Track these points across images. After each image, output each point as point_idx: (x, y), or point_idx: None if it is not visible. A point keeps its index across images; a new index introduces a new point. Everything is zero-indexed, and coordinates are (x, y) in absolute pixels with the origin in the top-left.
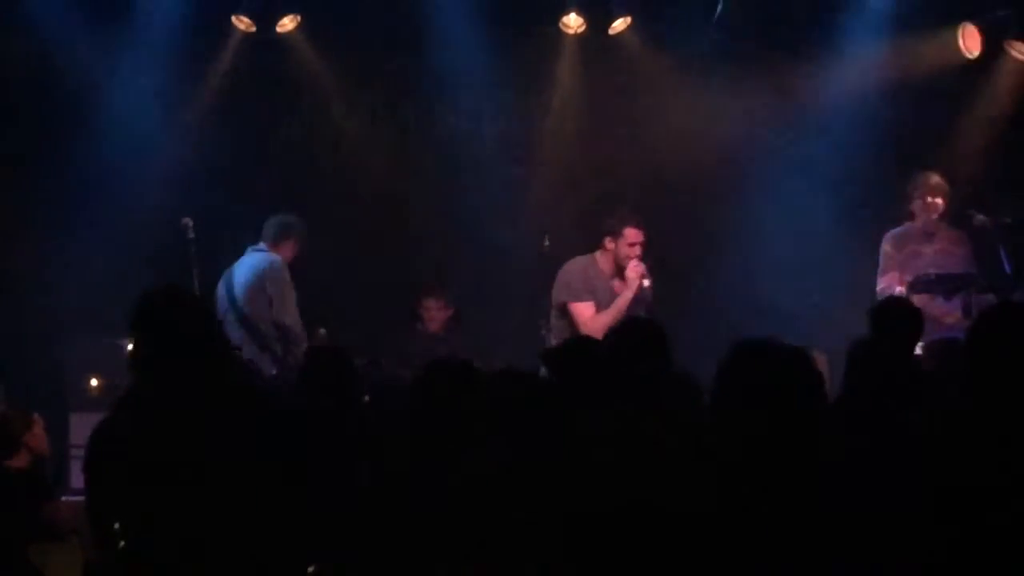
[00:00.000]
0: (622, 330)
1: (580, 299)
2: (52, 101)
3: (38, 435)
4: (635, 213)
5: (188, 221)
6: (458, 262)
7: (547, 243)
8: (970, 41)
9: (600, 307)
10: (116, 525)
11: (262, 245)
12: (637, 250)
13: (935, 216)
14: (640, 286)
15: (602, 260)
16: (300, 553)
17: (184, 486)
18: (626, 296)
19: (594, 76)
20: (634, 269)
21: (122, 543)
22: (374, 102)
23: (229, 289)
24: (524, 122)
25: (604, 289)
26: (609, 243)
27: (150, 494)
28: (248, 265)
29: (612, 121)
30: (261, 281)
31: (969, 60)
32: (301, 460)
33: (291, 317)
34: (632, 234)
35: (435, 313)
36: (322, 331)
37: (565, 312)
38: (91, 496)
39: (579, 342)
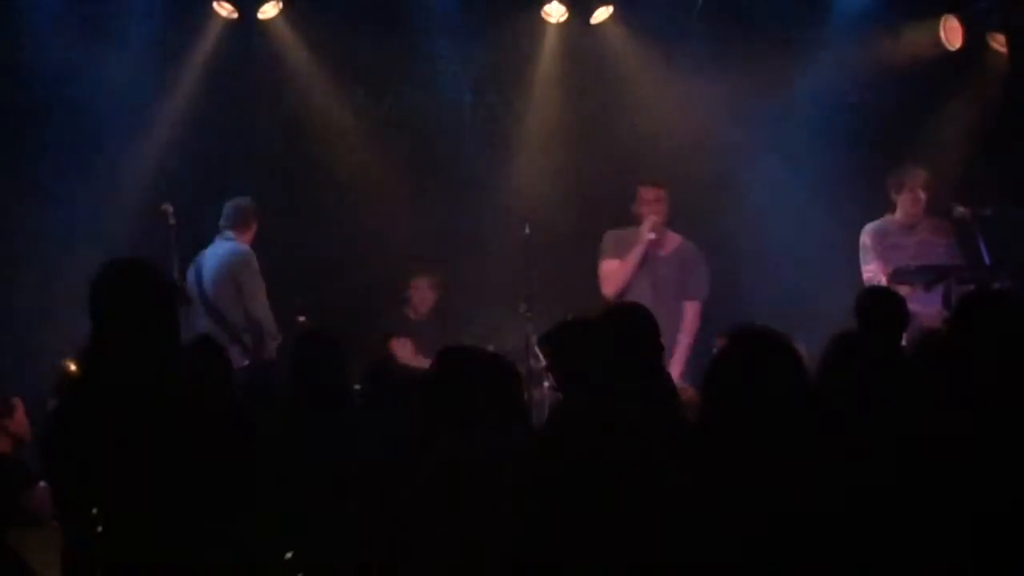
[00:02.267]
0: (615, 315)
1: (606, 257)
2: (33, 86)
3: (19, 420)
4: (655, 177)
5: (169, 207)
6: (441, 246)
7: (528, 230)
8: (951, 33)
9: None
10: (93, 510)
11: (229, 233)
12: (653, 207)
13: (917, 211)
14: (646, 240)
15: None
16: (279, 538)
17: (154, 472)
18: (635, 251)
19: (576, 66)
20: (645, 224)
21: (99, 528)
22: (356, 88)
23: (198, 278)
24: (506, 111)
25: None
26: (634, 207)
27: (124, 480)
28: (216, 254)
29: (594, 111)
30: (230, 271)
31: (951, 52)
32: (280, 444)
33: (262, 310)
34: (643, 192)
35: (425, 293)
36: (301, 319)
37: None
38: (57, 484)
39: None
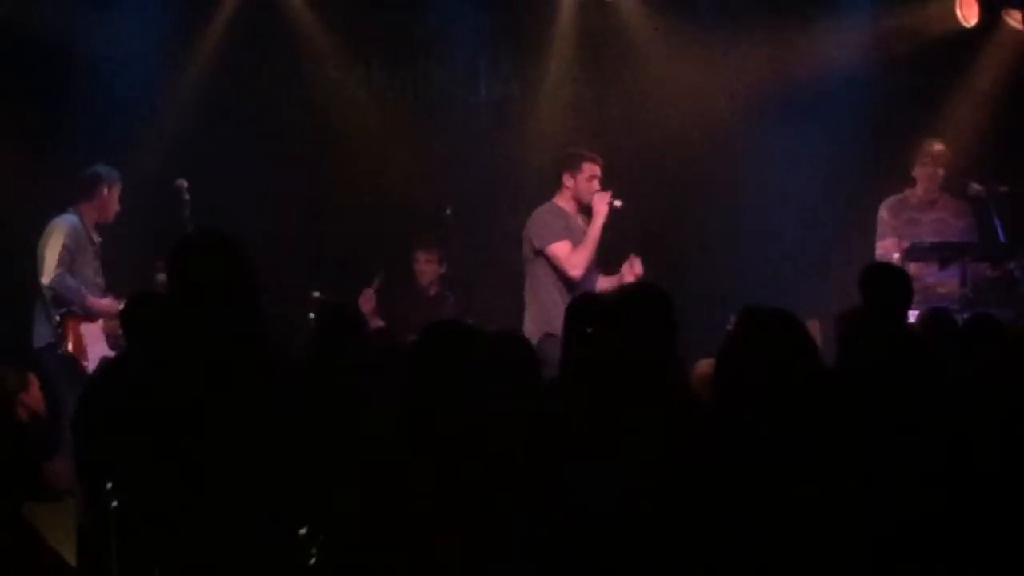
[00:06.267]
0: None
1: (557, 239)
2: (46, 61)
3: (34, 395)
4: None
5: (183, 183)
6: (452, 225)
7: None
8: (967, 9)
9: (575, 244)
10: (108, 485)
11: (75, 208)
12: (596, 184)
13: (935, 184)
14: (611, 209)
15: (562, 200)
16: (294, 515)
17: (177, 446)
18: (597, 224)
19: (591, 40)
20: (601, 198)
21: (114, 503)
22: (370, 64)
23: None
24: (520, 85)
25: (575, 227)
26: (568, 179)
27: (142, 453)
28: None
29: (608, 86)
30: (40, 243)
31: (966, 28)
32: (298, 423)
33: (47, 276)
34: (590, 167)
35: (424, 266)
36: (316, 293)
37: (540, 256)
38: (81, 456)
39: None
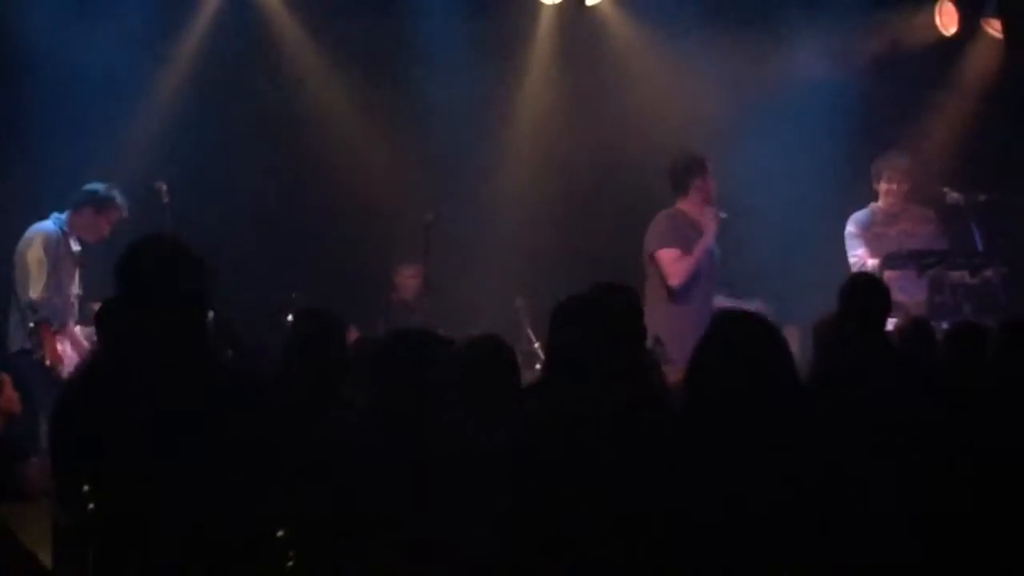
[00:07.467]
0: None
1: (665, 246)
2: (26, 63)
3: (8, 396)
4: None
5: (162, 185)
6: (433, 232)
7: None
8: (947, 18)
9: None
10: (85, 487)
11: (61, 214)
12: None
13: (900, 198)
14: (718, 222)
15: (688, 205)
16: (271, 517)
17: (154, 450)
18: (708, 237)
19: (571, 47)
20: (710, 211)
21: (91, 505)
22: (351, 69)
23: None
24: (500, 91)
25: (694, 235)
26: (700, 183)
27: (118, 455)
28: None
29: (589, 92)
30: (18, 249)
31: (946, 37)
32: (272, 425)
33: (35, 291)
34: (709, 166)
35: (408, 280)
36: (294, 295)
37: (653, 262)
38: (57, 460)
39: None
